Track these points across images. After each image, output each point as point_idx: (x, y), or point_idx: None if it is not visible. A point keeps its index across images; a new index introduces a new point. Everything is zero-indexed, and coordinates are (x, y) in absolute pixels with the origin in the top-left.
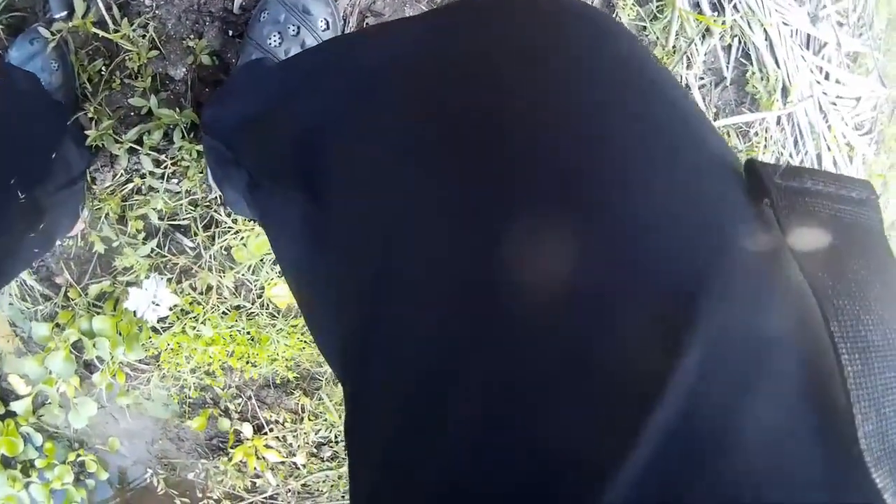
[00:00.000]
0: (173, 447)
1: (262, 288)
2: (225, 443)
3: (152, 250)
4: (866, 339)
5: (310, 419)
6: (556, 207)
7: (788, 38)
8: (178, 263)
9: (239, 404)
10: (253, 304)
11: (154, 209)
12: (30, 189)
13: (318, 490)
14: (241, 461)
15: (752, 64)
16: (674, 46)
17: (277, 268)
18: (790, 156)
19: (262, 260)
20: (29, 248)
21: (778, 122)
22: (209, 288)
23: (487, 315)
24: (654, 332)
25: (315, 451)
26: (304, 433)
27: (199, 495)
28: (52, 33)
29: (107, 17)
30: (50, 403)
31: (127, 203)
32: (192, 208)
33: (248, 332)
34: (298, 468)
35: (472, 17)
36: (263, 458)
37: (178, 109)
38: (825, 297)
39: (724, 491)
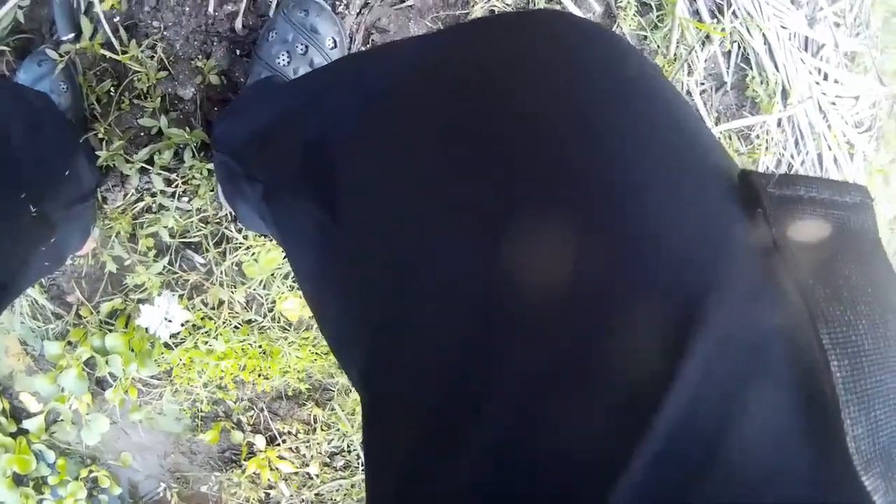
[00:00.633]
0: (186, 461)
1: (274, 302)
2: (238, 455)
3: (164, 267)
4: (856, 343)
5: (322, 429)
6: (560, 208)
7: (787, 42)
8: (189, 280)
9: (251, 416)
10: (264, 317)
11: (165, 227)
12: (42, 203)
13: (331, 499)
14: (254, 473)
15: (751, 68)
16: (675, 54)
17: (288, 281)
18: (791, 157)
19: (272, 274)
20: (40, 260)
21: (779, 124)
22: (221, 303)
23: (502, 321)
24: (659, 333)
25: (328, 460)
26: (317, 443)
27: None
28: (60, 55)
29: (114, 40)
30: (62, 420)
31: (138, 221)
32: (203, 225)
33: (260, 346)
34: (311, 478)
35: (483, 35)
36: (276, 469)
37: (187, 129)
38: (814, 304)
39: (723, 491)
